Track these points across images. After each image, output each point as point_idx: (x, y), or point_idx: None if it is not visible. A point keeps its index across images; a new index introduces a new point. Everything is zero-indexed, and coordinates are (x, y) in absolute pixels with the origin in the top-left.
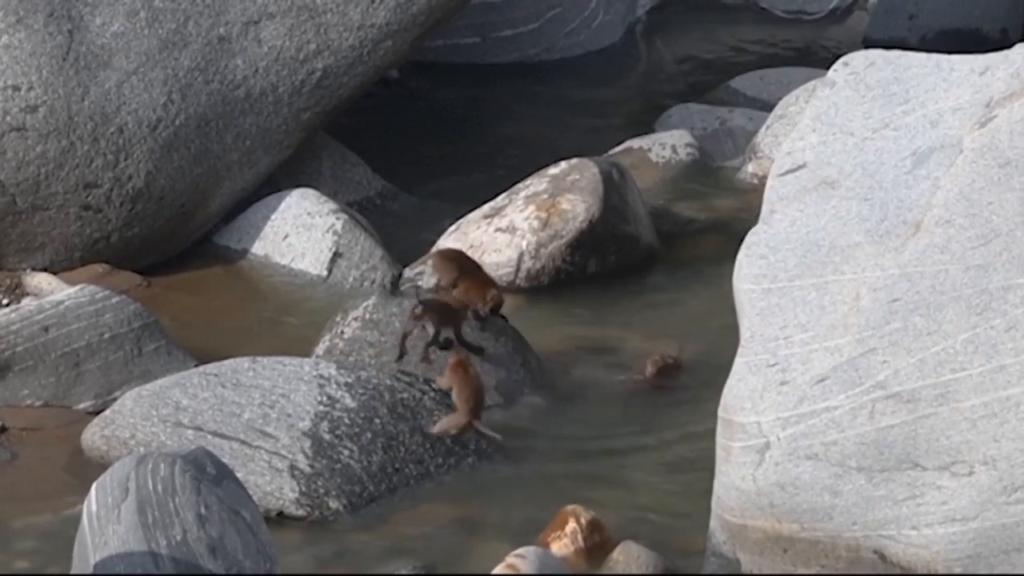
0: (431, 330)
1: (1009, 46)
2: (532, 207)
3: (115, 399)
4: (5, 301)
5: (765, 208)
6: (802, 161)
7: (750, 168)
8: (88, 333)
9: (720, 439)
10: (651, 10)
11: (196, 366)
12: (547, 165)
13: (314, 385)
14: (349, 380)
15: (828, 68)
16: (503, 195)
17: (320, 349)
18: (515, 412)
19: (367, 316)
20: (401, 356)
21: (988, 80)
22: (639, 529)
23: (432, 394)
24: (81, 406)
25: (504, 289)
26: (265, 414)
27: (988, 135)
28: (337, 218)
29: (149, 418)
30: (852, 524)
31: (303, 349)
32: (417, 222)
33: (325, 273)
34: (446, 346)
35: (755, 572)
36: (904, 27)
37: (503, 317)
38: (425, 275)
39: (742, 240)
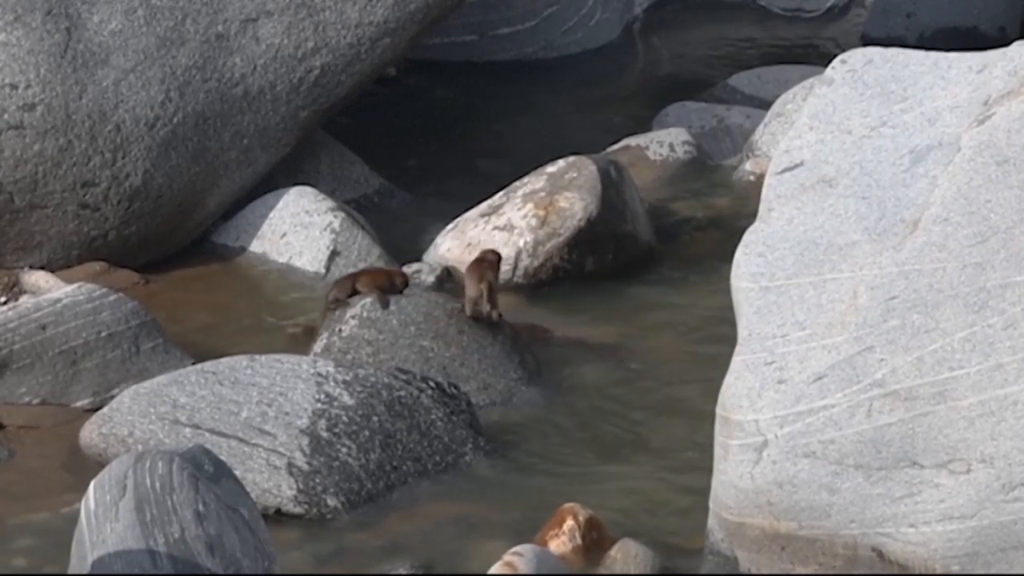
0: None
1: (1007, 44)
2: (530, 205)
3: (113, 397)
4: (3, 299)
5: (763, 206)
6: (800, 159)
7: (748, 166)
8: (86, 331)
9: (718, 437)
10: (648, 8)
11: (194, 364)
12: (545, 163)
13: (312, 383)
14: (347, 378)
15: (826, 66)
16: (501, 193)
17: (318, 347)
18: (512, 410)
19: (365, 314)
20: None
21: (986, 78)
22: (637, 527)
23: (430, 392)
24: (79, 404)
25: (502, 287)
26: (263, 412)
27: (986, 133)
28: (335, 216)
29: (147, 416)
30: (850, 522)
31: (301, 347)
32: (415, 220)
33: (323, 271)
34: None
35: (753, 570)
36: (902, 25)
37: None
38: (422, 273)
39: (740, 238)
